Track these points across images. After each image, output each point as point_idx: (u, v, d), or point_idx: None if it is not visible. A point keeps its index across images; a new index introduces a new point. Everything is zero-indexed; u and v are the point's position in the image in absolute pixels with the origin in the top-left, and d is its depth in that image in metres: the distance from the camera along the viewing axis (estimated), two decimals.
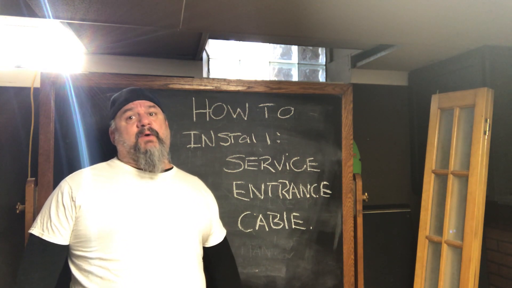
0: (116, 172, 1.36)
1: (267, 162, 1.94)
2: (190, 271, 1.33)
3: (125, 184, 1.32)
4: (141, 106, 1.38)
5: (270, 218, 1.92)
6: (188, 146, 1.84)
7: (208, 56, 2.67)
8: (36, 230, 1.27)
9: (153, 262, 1.25)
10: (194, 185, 1.52)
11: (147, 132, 1.34)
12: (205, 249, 1.48)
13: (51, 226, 1.26)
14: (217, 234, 1.54)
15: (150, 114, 1.39)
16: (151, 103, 1.41)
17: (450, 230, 2.14)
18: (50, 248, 1.25)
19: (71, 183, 1.30)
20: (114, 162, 1.41)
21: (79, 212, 1.25)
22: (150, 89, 1.79)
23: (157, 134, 1.35)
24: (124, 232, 1.24)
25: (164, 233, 1.29)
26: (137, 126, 1.35)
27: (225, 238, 1.58)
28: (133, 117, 1.36)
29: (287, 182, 1.95)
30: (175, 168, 1.49)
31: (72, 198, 1.26)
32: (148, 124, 1.35)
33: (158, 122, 1.39)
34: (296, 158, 1.97)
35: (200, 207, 1.45)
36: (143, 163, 1.32)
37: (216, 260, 1.53)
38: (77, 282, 1.25)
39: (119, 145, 1.39)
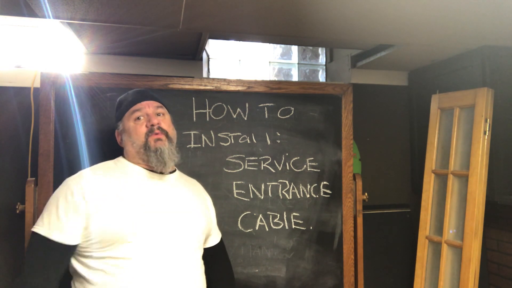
0: (124, 172, 1.35)
1: (267, 162, 1.94)
2: (195, 271, 1.34)
3: (134, 185, 1.32)
4: (149, 107, 1.38)
5: (270, 218, 1.92)
6: (188, 146, 1.84)
7: (208, 56, 2.66)
8: (43, 230, 1.23)
9: (162, 261, 1.25)
10: (195, 188, 1.54)
11: (157, 131, 1.34)
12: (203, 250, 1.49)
13: (61, 226, 1.22)
14: (215, 236, 1.56)
15: (158, 114, 1.39)
16: (159, 104, 1.42)
17: (450, 230, 2.14)
18: (59, 248, 1.22)
19: (82, 183, 1.27)
20: (122, 162, 1.39)
21: (91, 213, 1.23)
22: (151, 90, 1.79)
23: (166, 133, 1.36)
24: (134, 233, 1.24)
25: (172, 234, 1.30)
26: (147, 126, 1.35)
27: (221, 240, 1.60)
28: (142, 118, 1.36)
29: (287, 182, 1.95)
30: (177, 171, 1.49)
31: (84, 198, 1.24)
32: (158, 123, 1.35)
33: (166, 122, 1.40)
34: (296, 158, 1.97)
35: (202, 209, 1.47)
36: (154, 161, 1.32)
37: (212, 261, 1.54)
38: (82, 279, 1.25)
39: (128, 146, 1.37)
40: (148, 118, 1.36)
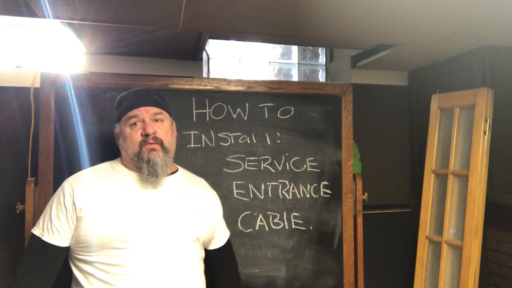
0: (119, 177, 1.34)
1: (267, 162, 1.94)
2: (191, 276, 1.33)
3: (128, 190, 1.31)
4: (146, 113, 1.31)
5: (270, 218, 1.92)
6: (188, 146, 1.84)
7: (208, 56, 2.66)
8: (37, 230, 1.28)
9: (154, 268, 1.25)
10: (198, 188, 1.50)
11: (151, 141, 1.29)
12: (207, 251, 1.48)
13: (51, 227, 1.26)
14: (220, 237, 1.53)
15: (156, 120, 1.34)
16: (158, 110, 1.34)
17: (450, 230, 2.14)
18: (50, 249, 1.26)
19: (73, 186, 1.29)
20: (118, 165, 1.38)
21: (80, 216, 1.24)
22: (152, 91, 1.79)
23: (161, 143, 1.31)
24: (126, 240, 1.23)
25: (165, 240, 1.29)
26: (142, 135, 1.30)
27: (228, 241, 1.57)
28: (138, 124, 1.31)
29: (287, 182, 1.95)
30: (180, 170, 1.47)
31: (73, 201, 1.26)
32: (153, 133, 1.30)
33: (163, 129, 1.34)
34: (296, 158, 1.97)
35: (203, 211, 1.43)
36: (146, 172, 1.29)
37: (217, 263, 1.52)
38: (77, 282, 1.25)
39: (123, 151, 1.36)
40: (144, 126, 1.30)
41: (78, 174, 1.35)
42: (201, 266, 1.40)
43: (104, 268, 1.22)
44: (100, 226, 1.23)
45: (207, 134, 1.87)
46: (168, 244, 1.29)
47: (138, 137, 1.30)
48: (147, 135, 1.30)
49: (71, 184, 1.30)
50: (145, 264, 1.24)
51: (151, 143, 1.29)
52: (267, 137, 1.94)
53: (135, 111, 1.32)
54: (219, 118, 1.90)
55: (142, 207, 1.29)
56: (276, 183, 1.94)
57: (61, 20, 1.62)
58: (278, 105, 1.96)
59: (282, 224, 1.93)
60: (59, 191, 1.32)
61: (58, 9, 1.47)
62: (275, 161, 1.94)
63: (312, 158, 1.98)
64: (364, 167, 2.55)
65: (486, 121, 2.02)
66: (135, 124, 1.32)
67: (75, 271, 1.27)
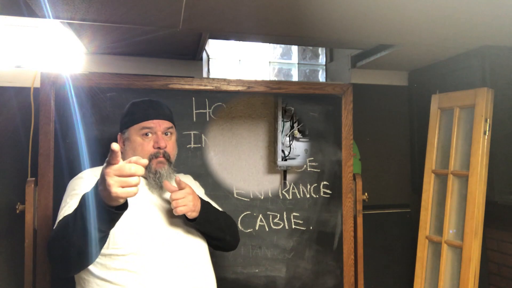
0: None
1: None
2: (207, 272, 1.36)
3: (138, 194, 1.32)
4: (160, 126, 1.38)
5: (270, 218, 1.92)
6: (188, 146, 1.84)
7: (208, 56, 2.66)
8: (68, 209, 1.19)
9: (175, 271, 1.27)
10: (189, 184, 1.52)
11: (161, 156, 1.36)
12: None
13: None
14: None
15: (166, 133, 1.40)
16: (170, 124, 1.42)
17: (450, 230, 2.14)
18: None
19: (84, 183, 1.29)
20: None
21: None
22: (150, 89, 1.79)
23: (168, 158, 1.38)
24: (145, 247, 1.25)
25: (181, 241, 1.32)
26: (153, 147, 1.36)
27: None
28: (150, 135, 1.37)
29: (287, 182, 1.95)
30: None
31: None
32: (164, 147, 1.36)
33: (171, 144, 1.41)
34: None
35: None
36: (152, 183, 1.35)
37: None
38: (83, 284, 1.24)
39: (130, 156, 1.36)
40: (157, 138, 1.36)
41: (84, 173, 1.34)
42: (209, 258, 1.42)
43: (119, 273, 1.21)
44: (122, 232, 1.23)
45: (207, 134, 1.87)
46: (184, 245, 1.32)
47: (150, 149, 1.36)
48: (159, 148, 1.36)
49: (80, 180, 1.30)
50: (165, 268, 1.25)
51: (161, 157, 1.36)
52: None
53: (150, 123, 1.37)
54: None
55: (154, 211, 1.33)
56: None
57: (61, 20, 1.62)
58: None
59: (282, 224, 1.93)
60: (69, 190, 1.29)
61: (58, 9, 1.47)
62: None
63: (312, 158, 1.98)
64: (364, 167, 2.55)
65: (486, 121, 2.02)
66: (146, 134, 1.36)
67: (82, 274, 1.25)
